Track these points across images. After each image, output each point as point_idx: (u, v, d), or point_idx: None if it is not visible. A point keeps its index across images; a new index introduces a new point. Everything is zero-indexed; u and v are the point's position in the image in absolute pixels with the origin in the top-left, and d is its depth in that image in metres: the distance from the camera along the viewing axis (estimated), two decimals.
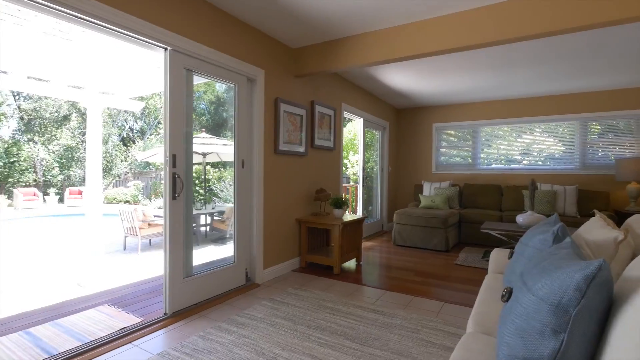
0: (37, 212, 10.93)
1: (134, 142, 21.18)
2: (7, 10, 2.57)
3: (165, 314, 2.62)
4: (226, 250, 6.04)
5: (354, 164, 9.49)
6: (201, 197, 13.30)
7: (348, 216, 4.20)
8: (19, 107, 18.14)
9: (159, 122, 23.15)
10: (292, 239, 3.96)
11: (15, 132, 18.33)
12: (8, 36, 2.92)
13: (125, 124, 23.22)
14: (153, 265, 4.68)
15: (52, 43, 3.12)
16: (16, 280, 3.92)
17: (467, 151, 6.70)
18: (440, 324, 2.57)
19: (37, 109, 17.38)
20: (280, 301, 2.97)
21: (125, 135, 22.27)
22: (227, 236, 6.98)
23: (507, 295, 1.20)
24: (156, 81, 4.21)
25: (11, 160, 16.54)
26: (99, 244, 4.25)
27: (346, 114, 5.23)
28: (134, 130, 24.87)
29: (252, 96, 3.41)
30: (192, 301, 2.79)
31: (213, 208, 7.88)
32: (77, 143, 18.33)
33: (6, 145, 16.93)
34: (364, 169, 5.90)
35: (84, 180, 18.35)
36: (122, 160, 19.66)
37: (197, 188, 13.51)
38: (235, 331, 2.40)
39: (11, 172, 16.61)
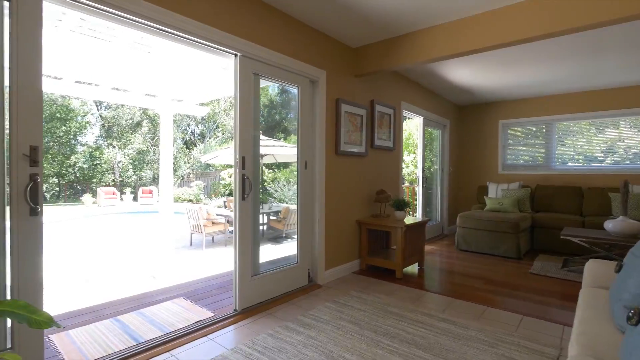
0: (115, 209, 12.16)
1: (195, 145, 22.69)
2: (97, 28, 2.85)
3: (235, 310, 2.71)
4: (283, 249, 6.18)
5: (408, 164, 9.18)
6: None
7: (410, 219, 4.04)
8: (100, 116, 20.41)
9: (217, 126, 24.54)
10: (352, 241, 3.91)
11: (97, 138, 20.65)
12: (97, 51, 3.24)
13: (187, 128, 24.98)
14: (218, 261, 4.92)
15: (134, 56, 3.41)
16: (102, 271, 4.37)
17: (536, 149, 6.11)
18: (521, 339, 2.34)
19: (115, 117, 19.40)
20: (343, 304, 2.92)
21: (187, 139, 23.95)
22: (283, 235, 7.14)
23: (637, 318, 1.02)
24: (218, 87, 4.42)
25: (94, 162, 18.65)
26: (170, 239, 4.57)
27: (405, 113, 5.04)
28: (195, 134, 26.63)
29: (314, 98, 3.41)
30: (259, 299, 2.86)
31: (270, 208, 8.13)
32: (147, 147, 20.12)
33: (90, 150, 19.13)
34: (423, 170, 5.65)
35: (153, 180, 20.08)
36: (185, 162, 21.17)
37: None
38: (302, 332, 2.40)
39: (94, 173, 18.73)
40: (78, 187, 20.25)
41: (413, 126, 8.99)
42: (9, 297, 1.65)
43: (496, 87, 5.38)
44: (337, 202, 3.66)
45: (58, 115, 17.92)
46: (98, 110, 20.73)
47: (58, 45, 3.02)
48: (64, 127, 18.23)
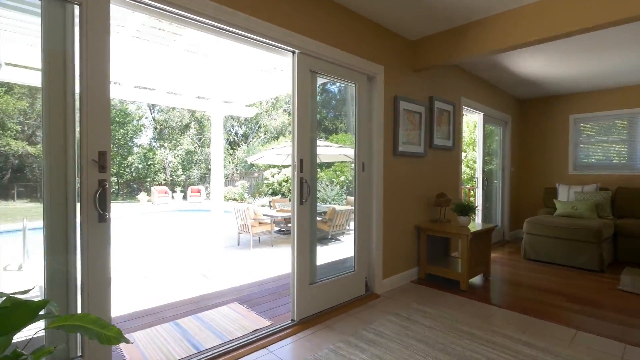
0: (168, 208, 12.78)
1: (239, 146, 23.36)
2: (155, 32, 2.86)
3: (292, 320, 2.58)
4: (329, 251, 6.02)
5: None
6: None
7: (475, 225, 3.68)
8: (154, 119, 21.68)
9: (259, 127, 25.08)
10: (410, 248, 3.64)
11: (151, 140, 21.97)
12: (154, 56, 3.28)
13: (231, 129, 25.81)
14: (267, 263, 4.88)
15: (188, 59, 3.41)
16: (158, 269, 4.49)
17: (614, 147, 5.39)
18: None
19: (167, 119, 20.50)
20: (407, 318, 2.68)
21: (231, 140, 24.74)
22: (329, 237, 7.01)
23: None
24: (266, 87, 4.35)
25: (148, 163, 19.85)
26: (220, 238, 4.59)
27: (465, 110, 4.65)
28: (239, 135, 27.46)
29: (371, 95, 3.20)
30: (316, 309, 2.71)
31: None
32: (195, 148, 21.05)
33: (145, 151, 20.39)
34: (483, 170, 5.20)
35: (200, 179, 20.97)
36: (229, 162, 21.86)
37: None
38: (366, 349, 2.21)
39: (148, 173, 19.95)
40: (134, 185, 21.69)
41: (466, 122, 8.42)
42: (79, 300, 1.63)
43: (569, 77, 4.79)
44: (394, 206, 3.41)
45: (117, 119, 19.28)
46: (151, 113, 22.04)
47: (119, 51, 3.09)
48: (122, 130, 19.60)
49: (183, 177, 20.45)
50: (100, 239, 1.64)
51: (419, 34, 3.47)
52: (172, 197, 14.34)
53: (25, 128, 21.41)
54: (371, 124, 3.19)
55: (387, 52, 3.31)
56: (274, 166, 14.46)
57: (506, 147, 5.76)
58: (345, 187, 11.99)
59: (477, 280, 3.67)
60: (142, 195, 13.68)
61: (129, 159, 19.94)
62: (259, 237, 7.11)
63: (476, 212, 3.64)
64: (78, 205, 1.61)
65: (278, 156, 8.62)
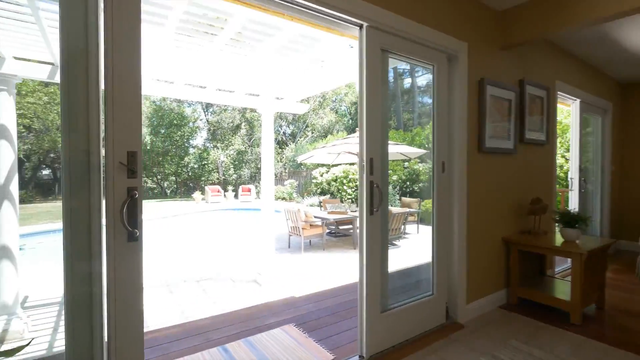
0: (220, 206, 13.00)
1: (287, 145, 23.44)
2: (201, 21, 2.52)
3: (361, 356, 2.08)
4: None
5: None
6: (348, 197, 13.33)
7: (586, 240, 2.89)
8: (207, 121, 22.52)
9: (307, 126, 24.98)
10: (497, 265, 2.96)
11: (205, 141, 22.85)
12: (203, 53, 2.97)
13: (279, 129, 26.04)
14: (320, 270, 4.45)
15: (237, 54, 3.07)
16: (209, 274, 4.26)
17: None
18: None
19: (219, 121, 21.14)
20: None
21: (279, 139, 24.95)
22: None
23: None
24: (318, 81, 3.91)
25: (202, 163, 20.62)
26: (271, 240, 4.24)
27: (558, 95, 3.80)
28: (287, 134, 27.66)
29: (452, 79, 2.58)
30: (389, 342, 2.18)
31: None
32: (245, 148, 21.47)
33: (199, 151, 21.22)
34: (580, 169, 4.27)
35: (250, 178, 21.36)
36: (278, 161, 21.99)
37: (345, 187, 13.66)
38: None
39: (203, 172, 20.72)
40: (190, 184, 22.74)
41: (574, 112, 7.28)
42: (105, 333, 1.28)
43: None
44: (479, 213, 2.76)
45: (175, 122, 20.26)
46: (205, 115, 22.92)
47: (165, 48, 2.82)
48: (179, 132, 20.56)
49: (234, 176, 20.97)
50: (130, 261, 1.28)
51: (508, 2, 2.78)
52: (225, 195, 14.60)
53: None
54: (452, 114, 2.57)
55: (471, 26, 2.67)
56: (323, 165, 14.10)
57: (606, 141, 4.72)
58: (398, 187, 11.24)
59: (589, 309, 2.88)
60: (196, 194, 14.09)
61: (186, 159, 20.87)
62: (310, 240, 6.72)
63: (588, 223, 2.85)
64: (103, 219, 1.26)
65: (329, 155, 8.17)
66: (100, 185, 1.27)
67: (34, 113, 13.94)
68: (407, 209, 7.03)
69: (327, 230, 7.41)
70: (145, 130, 21.72)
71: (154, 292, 3.73)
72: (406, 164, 11.24)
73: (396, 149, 7.18)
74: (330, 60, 3.25)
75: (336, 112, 27.39)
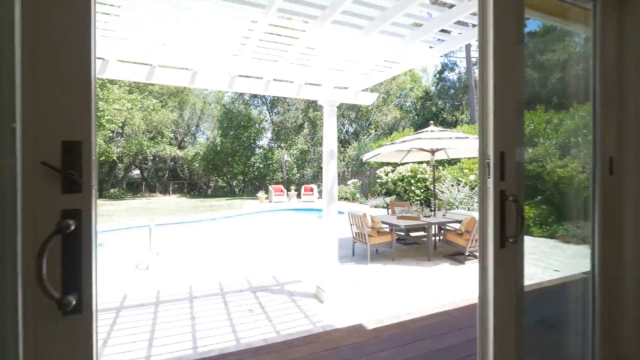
0: (283, 206, 12.80)
1: (349, 144, 22.74)
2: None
3: None
4: (466, 273, 4.42)
5: None
6: (417, 198, 12.12)
7: None
8: (272, 121, 22.89)
9: (370, 124, 23.99)
10: None
11: (269, 141, 23.28)
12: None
13: (342, 127, 25.45)
14: (394, 287, 3.64)
15: (301, 43, 2.45)
16: (270, 283, 3.75)
17: None
18: None
19: (282, 121, 21.30)
20: None
21: (342, 138, 24.35)
22: (466, 254, 5.31)
23: None
24: (386, 67, 3.10)
25: (267, 162, 20.96)
26: (334, 247, 3.57)
27: None
28: (349, 133, 26.96)
29: (622, 32, 1.58)
30: None
31: (444, 215, 6.32)
32: (308, 147, 21.31)
33: (264, 151, 21.63)
34: None
35: (313, 177, 21.13)
36: (340, 160, 21.42)
37: (412, 188, 12.44)
38: None
39: (267, 172, 21.07)
40: (256, 183, 23.38)
41: None
42: None
43: None
44: None
45: (242, 123, 20.91)
46: (270, 116, 23.33)
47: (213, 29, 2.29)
48: (246, 133, 21.18)
49: (297, 175, 20.92)
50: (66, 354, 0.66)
51: None
52: (287, 195, 14.44)
53: (177, 135, 25.40)
54: (623, 86, 1.57)
55: None
56: (389, 164, 13.05)
57: None
58: (475, 189, 9.77)
59: None
60: (260, 193, 14.18)
61: (252, 159, 21.40)
62: (377, 249, 5.90)
63: None
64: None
65: (397, 153, 7.22)
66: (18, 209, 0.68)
67: None
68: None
69: (396, 237, 6.51)
70: (215, 132, 22.88)
71: (210, 302, 3.36)
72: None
73: (476, 145, 5.98)
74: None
75: (401, 109, 25.85)
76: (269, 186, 14.88)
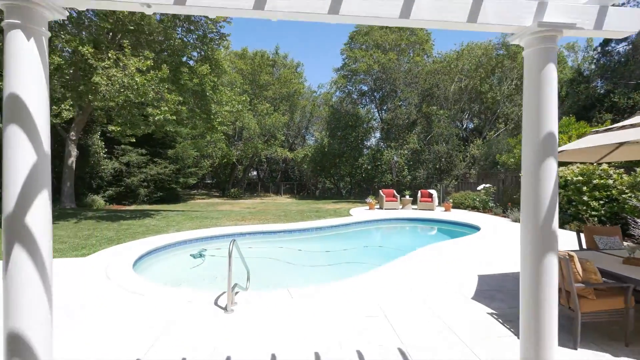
0: (397, 214, 10.65)
1: (470, 142, 18.93)
2: None
3: None
4: None
5: None
6: (593, 214, 8.34)
7: None
8: (381, 119, 20.79)
9: (497, 117, 19.58)
10: None
11: (378, 140, 21.24)
12: None
13: (460, 123, 21.59)
14: None
15: None
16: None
17: None
18: None
19: (393, 118, 18.95)
20: None
21: (461, 135, 20.61)
22: None
23: None
24: None
25: (376, 163, 18.99)
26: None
27: None
28: (468, 130, 22.83)
29: None
30: None
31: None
32: (421, 146, 18.46)
33: (372, 152, 19.73)
34: None
35: (426, 180, 18.16)
36: (460, 161, 17.88)
37: (585, 198, 8.65)
38: None
39: (376, 174, 19.10)
40: (363, 185, 21.68)
41: None
42: None
43: None
44: None
45: (350, 123, 19.49)
46: (379, 114, 21.28)
47: None
48: (354, 133, 19.69)
49: (409, 177, 18.35)
50: None
51: None
52: (400, 201, 12.15)
53: (288, 138, 25.77)
54: None
55: None
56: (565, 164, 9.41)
57: None
58: None
59: None
60: (370, 199, 12.28)
61: (360, 160, 19.81)
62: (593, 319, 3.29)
63: None
64: None
65: (599, 148, 4.33)
66: None
67: None
68: None
69: (634, 302, 3.70)
70: (323, 133, 22.14)
71: None
72: None
73: None
74: None
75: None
76: (379, 190, 12.87)
